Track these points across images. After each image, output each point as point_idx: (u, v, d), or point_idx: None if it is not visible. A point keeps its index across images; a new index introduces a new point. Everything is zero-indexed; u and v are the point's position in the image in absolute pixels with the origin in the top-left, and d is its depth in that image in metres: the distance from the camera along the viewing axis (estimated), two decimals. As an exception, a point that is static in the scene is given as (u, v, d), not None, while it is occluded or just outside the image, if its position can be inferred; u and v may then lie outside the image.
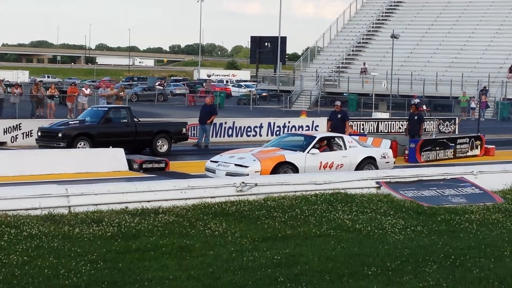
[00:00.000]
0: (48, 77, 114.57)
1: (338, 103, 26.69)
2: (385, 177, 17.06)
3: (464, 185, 17.25)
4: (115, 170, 21.12)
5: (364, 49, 69.83)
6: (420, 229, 13.09)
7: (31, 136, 27.56)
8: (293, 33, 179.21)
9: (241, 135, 32.81)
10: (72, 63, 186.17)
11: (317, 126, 34.42)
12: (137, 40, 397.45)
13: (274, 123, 34.15)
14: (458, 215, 14.39)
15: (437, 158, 26.61)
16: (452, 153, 27.30)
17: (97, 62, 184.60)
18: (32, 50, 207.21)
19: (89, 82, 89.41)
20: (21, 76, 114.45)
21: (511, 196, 16.90)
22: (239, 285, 9.54)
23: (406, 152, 25.99)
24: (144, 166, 21.58)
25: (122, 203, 13.76)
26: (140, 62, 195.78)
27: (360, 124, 36.58)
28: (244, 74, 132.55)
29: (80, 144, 24.36)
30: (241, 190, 15.04)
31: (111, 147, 22.54)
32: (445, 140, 27.68)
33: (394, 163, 21.95)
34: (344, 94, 63.11)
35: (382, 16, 73.42)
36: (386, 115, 43.73)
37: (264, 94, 71.33)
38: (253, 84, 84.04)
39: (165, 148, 26.23)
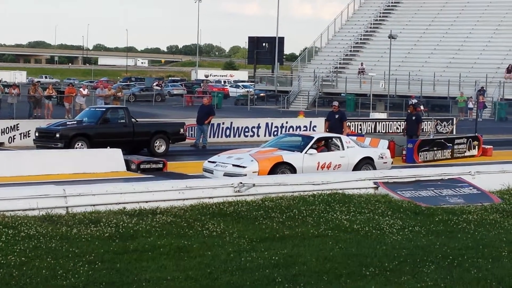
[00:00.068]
0: (46, 77, 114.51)
1: (335, 103, 26.70)
2: (382, 177, 17.07)
3: (461, 186, 17.27)
4: (112, 171, 21.11)
5: (361, 50, 69.86)
6: (418, 230, 13.10)
7: (28, 136, 27.53)
8: (290, 33, 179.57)
9: (239, 136, 32.79)
10: (70, 64, 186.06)
11: (315, 126, 34.40)
12: (135, 40, 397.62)
13: (272, 123, 34.14)
14: (455, 216, 14.41)
15: (435, 158, 26.61)
16: (450, 153, 27.31)
17: (95, 63, 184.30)
18: (29, 51, 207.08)
19: (87, 82, 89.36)
20: (19, 76, 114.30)
21: (508, 196, 16.91)
22: (237, 286, 9.54)
23: (404, 152, 25.99)
24: (142, 166, 21.57)
25: (120, 203, 13.76)
26: (142, 62, 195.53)
27: (357, 124, 36.59)
28: (241, 75, 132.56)
29: (78, 144, 24.35)
30: (239, 191, 15.04)
31: (108, 147, 22.51)
32: (442, 140, 27.69)
33: (392, 163, 21.96)
34: (342, 94, 63.11)
35: (380, 16, 73.44)
36: (383, 116, 43.75)
37: (262, 94, 71.31)
38: (251, 85, 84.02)
39: (163, 148, 26.22)
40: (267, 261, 10.60)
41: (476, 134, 29.47)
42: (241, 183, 15.18)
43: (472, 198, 16.48)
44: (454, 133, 35.57)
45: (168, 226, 12.47)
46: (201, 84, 78.05)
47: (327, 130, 25.34)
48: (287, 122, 34.70)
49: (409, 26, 70.45)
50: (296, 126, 34.39)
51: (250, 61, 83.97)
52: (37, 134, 25.36)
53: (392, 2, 74.86)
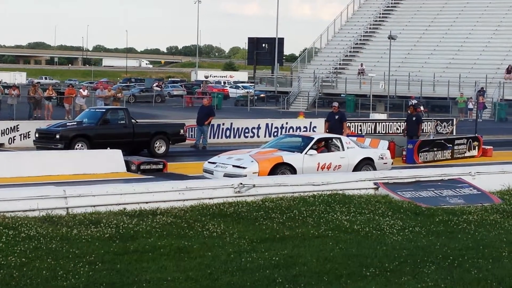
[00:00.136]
0: (46, 78, 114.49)
1: (335, 104, 26.71)
2: (383, 178, 17.08)
3: (462, 186, 17.27)
4: (113, 172, 21.11)
5: (361, 50, 69.87)
6: (418, 230, 13.10)
7: (28, 137, 27.53)
8: (290, 34, 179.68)
9: (239, 136, 32.79)
10: (70, 65, 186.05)
11: (315, 127, 34.40)
12: (135, 41, 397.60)
13: (272, 124, 34.14)
14: (456, 216, 14.41)
15: (435, 159, 26.61)
16: (450, 154, 27.32)
17: (98, 64, 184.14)
18: (29, 52, 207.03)
19: (87, 83, 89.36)
20: (19, 77, 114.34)
21: (509, 196, 16.91)
22: (237, 286, 9.54)
23: (404, 153, 25.99)
24: (142, 167, 21.57)
25: (120, 204, 13.76)
26: (146, 63, 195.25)
27: (357, 125, 36.59)
28: (241, 75, 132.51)
29: (78, 145, 24.35)
30: (239, 191, 15.04)
31: (108, 148, 22.51)
32: (442, 141, 27.69)
33: (392, 164, 21.96)
34: (342, 95, 63.11)
35: (380, 17, 73.45)
36: (383, 116, 43.73)
37: (262, 95, 71.31)
38: (251, 85, 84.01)
39: (163, 149, 26.23)
40: (267, 262, 10.60)
41: (476, 134, 29.48)
42: (241, 183, 15.18)
43: (472, 199, 16.48)
44: (454, 133, 35.58)
45: (168, 226, 12.47)
46: (201, 85, 78.06)
47: (327, 130, 25.33)
48: (287, 123, 34.70)
49: (408, 26, 70.46)
50: (296, 127, 34.39)
51: (250, 62, 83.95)
52: (37, 135, 25.36)
53: (391, 3, 74.89)
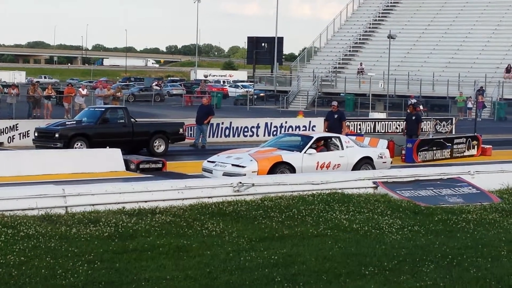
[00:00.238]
0: (45, 77, 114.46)
1: (334, 103, 26.71)
2: (382, 177, 17.08)
3: (461, 185, 17.27)
4: (112, 171, 21.11)
5: (361, 50, 69.87)
6: (417, 229, 13.10)
7: (28, 136, 27.53)
8: (290, 33, 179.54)
9: (238, 135, 32.79)
10: (69, 64, 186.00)
11: (314, 126, 34.41)
12: (134, 40, 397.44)
13: (271, 123, 34.13)
14: (455, 215, 14.41)
15: (434, 158, 26.62)
16: (449, 153, 27.32)
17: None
18: (29, 51, 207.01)
19: (86, 82, 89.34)
20: (18, 76, 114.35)
21: (508, 196, 16.92)
22: (236, 285, 9.54)
23: (403, 152, 25.99)
24: (141, 166, 21.58)
25: (119, 203, 13.76)
26: (152, 63, 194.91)
27: (357, 124, 36.58)
28: (241, 75, 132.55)
29: (77, 144, 24.35)
30: (238, 190, 15.05)
31: (108, 147, 22.51)
32: (442, 140, 27.70)
33: (391, 163, 21.97)
34: (341, 94, 63.12)
35: (379, 16, 73.45)
36: (383, 115, 43.74)
37: (261, 94, 71.31)
38: (250, 85, 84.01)
39: (162, 148, 26.22)
40: (266, 261, 10.60)
41: (475, 133, 29.48)
42: (240, 182, 15.18)
43: (471, 198, 16.49)
44: (453, 132, 35.56)
45: (167, 225, 12.47)
46: (199, 84, 78.03)
47: (326, 130, 25.34)
48: (286, 122, 34.70)
49: (408, 26, 70.46)
50: (295, 126, 34.39)
51: (249, 61, 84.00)
52: (36, 134, 25.36)
53: (391, 2, 74.88)
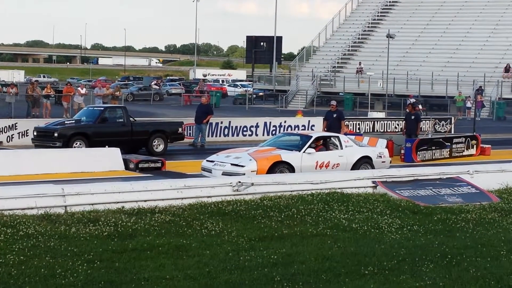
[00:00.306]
0: (44, 76, 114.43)
1: (333, 102, 26.70)
2: (381, 176, 17.08)
3: (460, 185, 17.28)
4: (111, 170, 21.10)
5: (359, 49, 69.84)
6: (417, 229, 13.11)
7: (27, 135, 27.50)
8: (289, 32, 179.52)
9: (237, 135, 32.78)
10: (68, 63, 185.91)
11: (313, 125, 34.40)
12: (133, 39, 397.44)
13: (270, 122, 34.12)
14: (454, 215, 14.42)
15: (433, 157, 26.62)
16: (448, 152, 27.32)
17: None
18: (27, 50, 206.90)
19: (85, 81, 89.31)
20: (17, 75, 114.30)
21: (507, 195, 16.92)
22: (235, 285, 9.54)
23: (402, 151, 25.99)
24: (140, 165, 21.57)
25: (118, 202, 13.77)
26: (156, 62, 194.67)
27: (356, 123, 36.56)
28: (240, 74, 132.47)
29: (76, 143, 24.33)
30: (237, 190, 15.05)
31: (107, 146, 22.50)
32: (441, 139, 27.70)
33: (390, 162, 21.97)
34: (340, 93, 63.13)
35: (378, 16, 73.43)
36: (382, 115, 43.69)
37: (260, 93, 71.30)
38: (249, 84, 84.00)
39: (161, 147, 26.22)
40: (265, 260, 10.60)
41: (475, 133, 29.48)
42: (239, 182, 15.19)
43: (471, 197, 16.49)
44: (453, 132, 35.56)
45: (166, 225, 12.47)
46: (198, 84, 77.99)
47: (325, 129, 25.34)
48: (285, 121, 34.69)
49: (407, 25, 70.44)
50: (295, 125, 34.38)
51: (248, 61, 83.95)
52: (35, 133, 25.34)
53: (390, 1, 74.85)
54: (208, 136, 30.62)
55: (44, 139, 24.67)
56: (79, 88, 43.75)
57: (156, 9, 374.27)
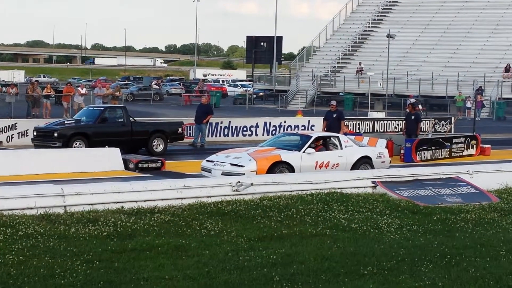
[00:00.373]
0: (44, 76, 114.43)
1: (333, 102, 26.70)
2: (381, 176, 17.08)
3: (459, 185, 17.28)
4: (111, 170, 21.10)
5: (360, 49, 69.85)
6: (416, 229, 13.11)
7: (26, 135, 27.50)
8: (289, 32, 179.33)
9: (237, 135, 32.78)
10: (68, 63, 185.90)
11: (313, 125, 34.40)
12: (133, 39, 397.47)
13: (270, 122, 34.13)
14: (453, 215, 14.42)
15: (433, 157, 26.62)
16: (448, 152, 27.32)
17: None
18: (27, 50, 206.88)
19: (85, 81, 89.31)
20: (17, 75, 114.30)
21: (506, 195, 16.92)
22: (235, 285, 9.54)
23: (402, 151, 25.99)
24: (140, 165, 21.57)
25: (118, 202, 13.76)
26: (161, 62, 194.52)
27: (356, 123, 36.57)
28: (240, 74, 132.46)
29: (76, 143, 24.33)
30: (237, 190, 15.05)
31: (107, 146, 22.51)
32: (440, 139, 27.70)
33: (390, 162, 21.97)
34: (340, 93, 63.13)
35: (378, 16, 73.43)
36: (382, 115, 43.69)
37: (260, 93, 71.29)
38: (249, 84, 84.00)
39: (161, 147, 26.22)
40: (265, 260, 10.60)
41: (474, 133, 29.48)
42: (239, 182, 15.19)
43: (470, 197, 16.49)
44: (452, 132, 35.57)
45: (166, 225, 12.47)
46: (198, 84, 78.00)
47: (325, 129, 25.34)
48: (285, 121, 34.70)
49: (407, 25, 70.45)
50: (294, 126, 34.38)
51: (249, 61, 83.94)
52: (35, 133, 25.35)
53: (390, 2, 74.86)
54: (208, 136, 30.62)
55: (44, 139, 24.68)
56: (79, 88, 43.75)
57: (156, 9, 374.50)
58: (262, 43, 77.01)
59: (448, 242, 12.11)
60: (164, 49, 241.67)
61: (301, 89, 64.95)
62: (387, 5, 74.57)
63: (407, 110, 29.39)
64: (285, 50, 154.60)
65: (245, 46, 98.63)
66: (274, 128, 33.79)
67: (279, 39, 75.62)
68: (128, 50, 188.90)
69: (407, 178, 17.35)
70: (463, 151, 27.95)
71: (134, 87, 73.11)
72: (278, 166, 18.87)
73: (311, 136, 20.46)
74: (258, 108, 58.65)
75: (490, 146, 29.20)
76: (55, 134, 24.35)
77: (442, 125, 39.35)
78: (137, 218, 12.79)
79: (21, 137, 27.86)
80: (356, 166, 20.43)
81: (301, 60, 71.31)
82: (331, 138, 20.91)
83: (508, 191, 17.47)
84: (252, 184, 15.26)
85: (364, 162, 20.70)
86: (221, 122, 32.51)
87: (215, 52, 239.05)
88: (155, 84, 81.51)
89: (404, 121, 28.97)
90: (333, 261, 10.67)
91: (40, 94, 41.30)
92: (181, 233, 12.03)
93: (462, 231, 13.10)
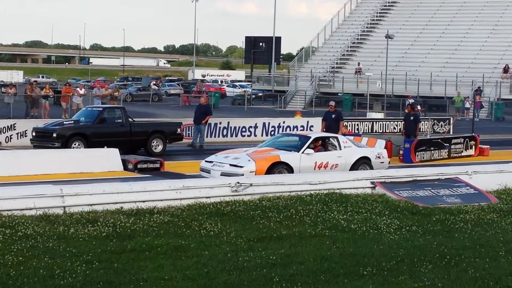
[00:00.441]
0: (43, 77, 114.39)
1: (332, 103, 26.68)
2: (380, 177, 17.08)
3: (458, 185, 17.28)
4: (110, 170, 21.10)
5: (358, 49, 69.89)
6: (415, 229, 13.11)
7: (25, 136, 27.49)
8: (287, 33, 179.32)
9: (236, 135, 32.79)
10: (67, 63, 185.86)
11: (312, 126, 34.42)
12: (132, 40, 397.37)
13: (269, 123, 34.13)
14: (453, 215, 14.42)
15: (432, 158, 26.63)
16: (447, 153, 27.33)
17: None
18: (26, 50, 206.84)
19: (84, 82, 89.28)
20: (16, 76, 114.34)
21: (505, 196, 16.93)
22: (234, 285, 9.54)
23: (401, 152, 26.00)
24: (139, 166, 21.56)
25: (117, 203, 13.75)
26: (164, 63, 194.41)
27: (354, 124, 36.57)
28: (238, 74, 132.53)
29: (75, 144, 24.32)
30: (236, 190, 15.04)
31: (106, 147, 22.50)
32: (439, 140, 27.71)
33: (389, 163, 21.97)
34: (339, 94, 63.16)
35: (377, 16, 73.48)
36: (380, 115, 43.73)
37: (259, 94, 71.30)
38: (248, 84, 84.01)
39: (160, 148, 26.22)
40: (264, 261, 10.60)
41: (473, 134, 29.50)
42: (238, 182, 15.18)
43: (469, 198, 16.49)
44: (451, 133, 35.57)
45: (165, 225, 12.46)
46: (196, 84, 78.02)
47: (324, 130, 25.33)
48: (284, 122, 34.70)
49: (406, 26, 70.50)
50: (293, 126, 34.39)
51: (247, 61, 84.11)
52: (34, 134, 25.33)
53: (389, 2, 74.92)
54: (207, 136, 30.62)
55: (42, 139, 24.66)
56: (78, 89, 43.74)
57: (155, 9, 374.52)
58: (260, 44, 77.13)
59: (447, 243, 12.11)
60: (163, 50, 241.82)
61: (299, 90, 64.98)
62: (385, 6, 74.62)
63: (406, 110, 29.38)
64: (284, 50, 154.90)
65: (244, 47, 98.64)
66: (273, 128, 33.80)
67: (278, 39, 75.72)
68: (126, 50, 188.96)
69: (406, 178, 17.36)
70: (462, 151, 27.97)
71: (133, 88, 73.12)
72: (277, 167, 18.86)
73: (310, 137, 20.46)
74: (257, 109, 58.65)
75: (489, 146, 29.22)
76: (54, 135, 24.33)
77: (441, 126, 39.38)
78: (136, 218, 12.78)
79: (20, 138, 27.85)
80: (355, 166, 20.43)
81: (299, 61, 71.36)
82: (330, 139, 20.91)
83: (507, 192, 17.47)
84: (251, 185, 15.25)
85: (363, 163, 20.70)
86: (220, 123, 32.52)
87: (214, 53, 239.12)
88: (154, 84, 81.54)
89: (403, 122, 28.97)
90: (333, 262, 10.67)
91: (39, 94, 41.27)
92: (181, 233, 12.03)
93: (461, 232, 13.10)
